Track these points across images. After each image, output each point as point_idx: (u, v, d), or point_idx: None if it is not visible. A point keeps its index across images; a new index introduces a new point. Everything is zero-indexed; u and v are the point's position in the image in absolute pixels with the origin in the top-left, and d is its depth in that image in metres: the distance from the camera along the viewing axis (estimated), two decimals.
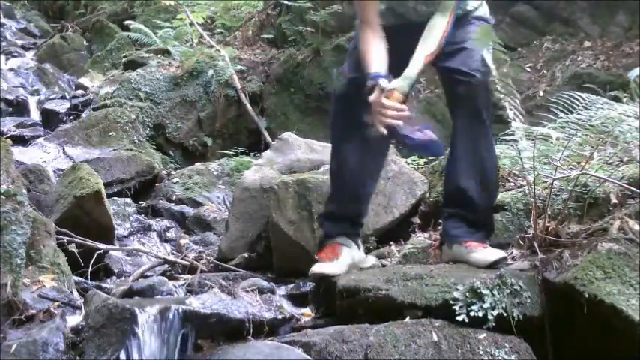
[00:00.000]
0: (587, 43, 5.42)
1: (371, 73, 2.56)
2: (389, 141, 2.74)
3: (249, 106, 6.16)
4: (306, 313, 2.56)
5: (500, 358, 2.04)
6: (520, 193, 2.94)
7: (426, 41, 2.60)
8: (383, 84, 2.50)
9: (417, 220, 3.42)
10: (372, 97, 2.50)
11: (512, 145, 2.69)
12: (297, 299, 2.71)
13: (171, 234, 4.18)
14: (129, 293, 2.68)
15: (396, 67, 2.57)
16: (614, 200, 2.51)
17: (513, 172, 3.16)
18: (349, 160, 2.73)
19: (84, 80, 7.24)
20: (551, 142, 2.49)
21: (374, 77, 2.54)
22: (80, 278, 2.92)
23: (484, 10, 2.85)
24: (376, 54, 2.62)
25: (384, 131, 2.49)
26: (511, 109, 2.55)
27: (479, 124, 2.63)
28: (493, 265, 2.45)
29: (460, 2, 2.67)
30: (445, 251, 2.68)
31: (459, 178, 2.66)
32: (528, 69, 5.39)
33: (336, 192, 2.80)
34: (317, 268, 2.60)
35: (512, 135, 2.65)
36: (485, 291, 2.14)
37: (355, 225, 2.80)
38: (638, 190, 2.37)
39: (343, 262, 2.63)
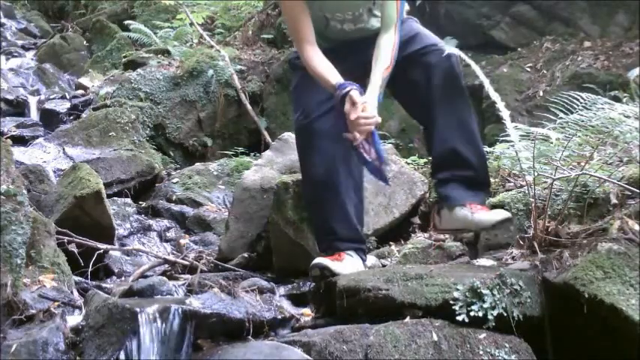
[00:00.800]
0: (587, 43, 5.41)
1: (335, 84, 2.56)
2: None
3: (249, 106, 6.16)
4: (306, 313, 2.56)
5: (500, 358, 2.05)
6: (520, 193, 2.94)
7: (379, 58, 2.65)
8: (354, 96, 2.49)
9: (417, 220, 3.43)
10: (346, 108, 2.49)
11: (512, 145, 2.69)
12: (297, 299, 2.71)
13: (171, 234, 4.18)
14: (129, 293, 2.68)
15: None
16: (614, 200, 2.51)
17: (513, 172, 3.17)
18: (334, 177, 2.71)
19: (84, 80, 7.23)
20: (551, 142, 2.49)
21: (340, 87, 2.54)
22: (80, 278, 2.92)
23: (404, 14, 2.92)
24: (327, 67, 2.63)
25: (359, 138, 2.49)
26: (505, 112, 2.55)
27: (458, 89, 2.67)
28: (498, 225, 2.43)
29: (401, 12, 2.73)
30: (445, 216, 2.66)
31: (450, 141, 2.65)
32: (528, 69, 5.38)
33: (330, 210, 2.74)
34: (321, 260, 2.58)
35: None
36: (485, 291, 2.14)
37: (362, 242, 2.78)
38: (638, 190, 2.37)
39: (348, 266, 2.61)
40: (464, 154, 2.63)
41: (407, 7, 2.96)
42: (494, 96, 2.58)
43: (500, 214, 2.49)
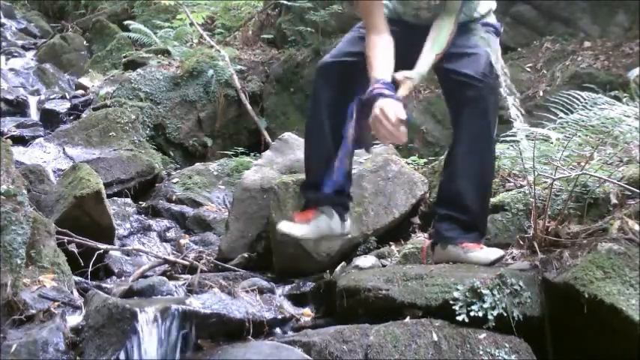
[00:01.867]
0: (587, 43, 5.41)
1: (379, 79, 2.50)
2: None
3: (249, 106, 6.17)
4: (306, 313, 2.56)
5: (500, 358, 2.04)
6: (520, 193, 2.94)
7: (434, 41, 2.58)
8: (386, 108, 2.41)
9: (417, 220, 3.42)
10: (376, 111, 2.41)
11: (512, 145, 2.69)
12: (297, 299, 2.71)
13: (171, 234, 4.18)
14: (129, 293, 2.68)
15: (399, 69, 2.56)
16: (614, 200, 2.51)
17: (513, 172, 3.17)
18: (326, 123, 2.66)
19: (84, 80, 7.24)
20: (551, 143, 2.49)
21: (384, 85, 2.47)
22: (80, 278, 2.92)
23: (492, 18, 2.84)
24: (382, 58, 2.58)
25: (384, 140, 2.46)
26: (513, 109, 2.55)
27: (483, 127, 2.59)
28: (494, 263, 2.45)
29: (465, 4, 2.64)
30: (438, 251, 2.65)
31: (456, 181, 2.63)
32: (528, 69, 5.39)
33: (317, 158, 2.71)
34: (283, 226, 2.58)
35: (514, 135, 2.65)
36: (485, 291, 2.14)
37: (341, 195, 2.72)
38: (638, 190, 2.37)
39: (316, 227, 2.59)
40: (467, 201, 2.60)
41: (493, 7, 2.86)
42: (510, 96, 2.56)
43: (495, 253, 2.50)
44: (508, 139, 2.69)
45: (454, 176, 2.65)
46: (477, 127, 2.59)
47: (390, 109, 2.39)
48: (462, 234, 2.59)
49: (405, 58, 2.57)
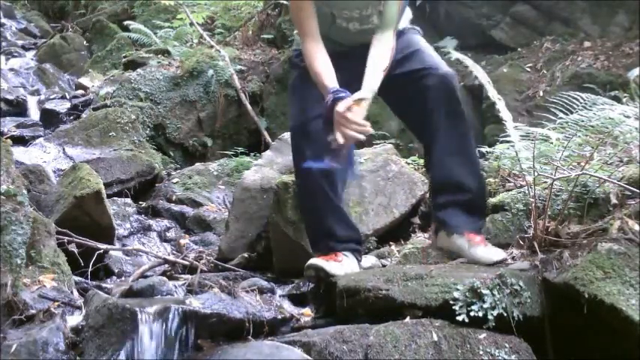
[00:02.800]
0: (587, 43, 5.42)
1: (329, 88, 2.55)
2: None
3: (249, 106, 6.17)
4: (306, 313, 2.56)
5: (500, 358, 2.04)
6: (520, 193, 2.94)
7: (377, 56, 2.64)
8: (349, 98, 2.48)
9: (417, 220, 3.43)
10: (339, 108, 2.46)
11: (512, 146, 2.70)
12: (297, 299, 2.71)
13: (171, 234, 4.18)
14: (129, 293, 2.68)
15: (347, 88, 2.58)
16: (614, 200, 2.51)
17: (513, 172, 3.17)
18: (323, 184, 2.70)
19: (84, 80, 7.24)
20: (551, 143, 2.49)
21: (334, 92, 2.52)
22: (80, 278, 2.92)
23: (408, 22, 2.91)
24: (326, 67, 2.63)
25: (341, 141, 2.46)
26: (504, 111, 2.55)
27: (457, 113, 2.64)
28: (494, 264, 2.46)
29: (401, 15, 2.72)
30: (442, 238, 2.66)
31: (449, 166, 2.64)
32: (528, 69, 5.39)
33: (328, 212, 2.74)
34: (316, 260, 2.59)
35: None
36: (485, 291, 2.14)
37: (358, 243, 2.78)
38: (638, 190, 2.37)
39: (344, 267, 2.60)
40: (462, 179, 2.62)
41: (410, 14, 2.94)
42: (495, 97, 2.57)
43: (498, 255, 2.51)
44: (508, 139, 2.69)
45: (443, 163, 2.66)
46: (452, 115, 2.63)
47: (345, 104, 2.45)
48: (466, 220, 2.60)
49: (349, 82, 2.59)
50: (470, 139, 2.69)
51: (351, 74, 2.64)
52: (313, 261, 2.59)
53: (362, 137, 2.49)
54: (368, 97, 2.56)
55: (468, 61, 2.78)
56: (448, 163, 2.64)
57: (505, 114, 2.56)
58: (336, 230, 2.71)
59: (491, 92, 2.63)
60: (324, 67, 2.63)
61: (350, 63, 2.67)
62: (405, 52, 2.73)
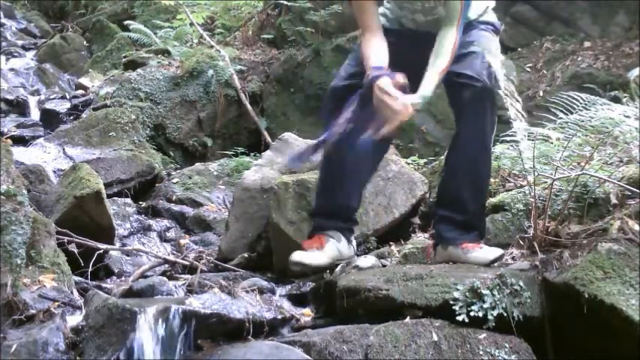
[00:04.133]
0: (587, 44, 5.42)
1: (372, 65, 2.54)
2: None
3: (249, 107, 6.17)
4: (306, 313, 2.56)
5: (500, 358, 2.04)
6: (520, 193, 2.94)
7: (437, 56, 2.58)
8: (384, 84, 2.47)
9: (417, 220, 3.43)
10: (379, 83, 2.45)
11: (512, 146, 2.70)
12: (297, 299, 2.71)
13: (171, 234, 4.18)
14: (129, 293, 2.68)
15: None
16: (614, 200, 2.51)
17: (513, 172, 3.17)
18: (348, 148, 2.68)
19: (84, 80, 7.23)
20: (552, 143, 2.49)
21: (375, 70, 2.51)
22: (80, 278, 2.91)
23: (490, 16, 2.84)
24: (376, 50, 2.61)
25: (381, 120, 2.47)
26: (512, 109, 2.55)
27: (479, 129, 2.61)
28: (493, 263, 2.46)
29: (465, 11, 2.63)
30: (440, 252, 2.69)
31: (453, 183, 2.67)
32: (528, 69, 5.39)
33: (328, 184, 2.77)
34: (296, 256, 2.62)
35: (513, 135, 2.65)
36: (485, 291, 2.14)
37: (348, 220, 2.79)
38: (638, 190, 2.37)
39: (326, 253, 2.63)
40: (465, 203, 2.64)
41: (491, 4, 2.85)
42: (515, 97, 2.56)
43: (494, 253, 2.52)
44: (508, 139, 2.69)
45: (450, 178, 2.70)
46: (473, 128, 2.61)
47: (386, 83, 2.45)
48: (461, 234, 2.62)
49: (409, 70, 2.57)
50: (483, 163, 2.66)
51: (416, 56, 2.60)
52: (294, 257, 2.63)
53: (409, 111, 2.47)
54: (418, 103, 2.52)
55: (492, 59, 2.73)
56: (458, 181, 2.66)
57: (516, 115, 2.55)
58: (328, 202, 2.73)
59: (506, 90, 2.62)
60: (373, 48, 2.61)
61: (417, 45, 2.63)
62: (462, 49, 2.63)
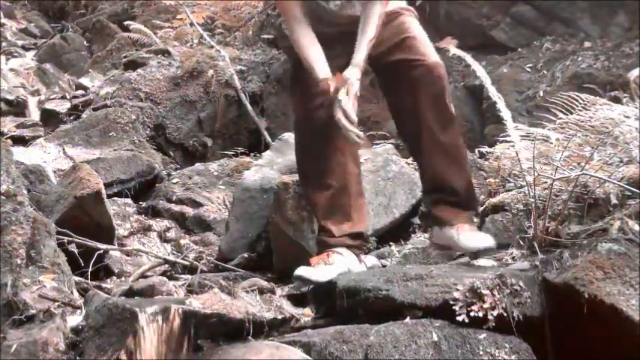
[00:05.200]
0: (587, 44, 5.41)
1: (319, 79, 2.59)
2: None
3: (249, 107, 6.16)
4: (306, 313, 2.56)
5: (500, 358, 2.05)
6: (520, 193, 2.94)
7: (365, 28, 2.61)
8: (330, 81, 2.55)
9: (417, 220, 3.43)
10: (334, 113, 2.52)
11: (512, 146, 2.70)
12: (297, 299, 2.71)
13: (171, 234, 4.18)
14: (129, 293, 2.68)
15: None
16: (614, 200, 2.51)
17: (513, 172, 3.17)
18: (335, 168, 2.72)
19: (84, 80, 7.23)
20: (551, 143, 2.49)
21: (325, 82, 2.58)
22: (80, 278, 2.91)
23: (402, 2, 2.88)
24: (316, 53, 2.65)
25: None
26: (505, 111, 2.56)
27: (444, 108, 2.63)
28: (481, 253, 2.46)
29: None
30: (436, 233, 2.70)
31: (438, 170, 2.67)
32: (528, 69, 5.38)
33: (333, 206, 2.76)
34: (300, 271, 2.58)
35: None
36: (485, 291, 2.14)
37: (355, 238, 2.77)
38: (638, 191, 2.37)
39: (333, 269, 2.59)
40: (451, 183, 2.66)
41: None
42: (496, 96, 2.58)
43: (485, 242, 2.53)
44: (508, 139, 2.69)
45: (433, 167, 2.69)
46: (438, 112, 2.62)
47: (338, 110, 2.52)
48: (457, 213, 2.64)
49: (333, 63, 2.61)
50: (459, 139, 2.70)
51: (339, 52, 2.65)
52: (299, 271, 2.58)
53: (357, 140, 2.54)
54: (354, 73, 2.56)
55: (467, 58, 2.78)
56: (437, 167, 2.67)
57: (505, 112, 2.56)
58: (332, 224, 2.71)
59: (491, 90, 2.63)
60: (313, 54, 2.65)
61: (338, 43, 2.68)
62: (395, 39, 2.70)
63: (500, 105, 2.57)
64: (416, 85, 2.63)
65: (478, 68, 2.71)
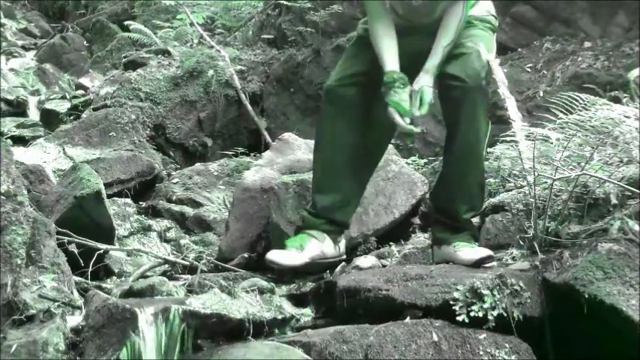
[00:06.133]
0: (587, 44, 5.40)
1: (385, 70, 2.61)
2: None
3: (249, 107, 6.16)
4: (306, 313, 2.56)
5: (500, 358, 2.05)
6: (520, 193, 2.94)
7: (443, 31, 2.62)
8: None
9: (417, 220, 3.43)
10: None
11: (512, 146, 2.69)
12: (297, 299, 2.71)
13: (171, 234, 4.18)
14: (129, 293, 2.68)
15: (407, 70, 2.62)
16: (614, 201, 2.51)
17: (513, 172, 3.17)
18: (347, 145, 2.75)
19: (84, 80, 7.23)
20: (551, 143, 2.49)
21: (392, 74, 2.60)
22: (80, 278, 2.91)
23: (483, 8, 2.82)
24: (388, 46, 2.65)
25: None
26: (513, 109, 2.55)
27: (473, 133, 2.65)
28: (478, 264, 2.47)
29: None
30: (436, 252, 2.74)
31: (445, 192, 2.73)
32: (528, 69, 5.38)
33: (325, 183, 2.80)
34: (271, 254, 2.64)
35: (513, 135, 2.65)
36: (485, 291, 2.14)
37: (335, 224, 2.81)
38: (638, 191, 2.37)
39: (306, 254, 2.65)
40: (458, 210, 2.69)
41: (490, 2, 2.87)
42: (507, 97, 2.56)
43: (481, 253, 2.54)
44: (508, 139, 2.69)
45: (442, 189, 2.76)
46: (465, 136, 2.64)
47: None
48: (453, 234, 2.68)
49: (411, 63, 2.60)
50: (477, 172, 2.71)
51: (419, 51, 2.65)
52: (269, 255, 2.66)
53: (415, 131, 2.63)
54: (429, 82, 2.60)
55: (490, 57, 2.74)
56: (447, 192, 2.72)
57: (514, 113, 2.55)
58: (316, 201, 2.75)
59: (504, 90, 2.62)
60: (385, 46, 2.66)
61: (420, 39, 2.67)
62: (456, 49, 2.65)
63: (511, 106, 2.56)
64: (452, 104, 2.64)
65: (497, 69, 2.66)
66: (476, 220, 2.93)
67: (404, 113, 2.62)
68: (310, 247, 2.70)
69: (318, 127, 2.87)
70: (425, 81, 2.60)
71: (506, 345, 2.08)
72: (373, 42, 2.69)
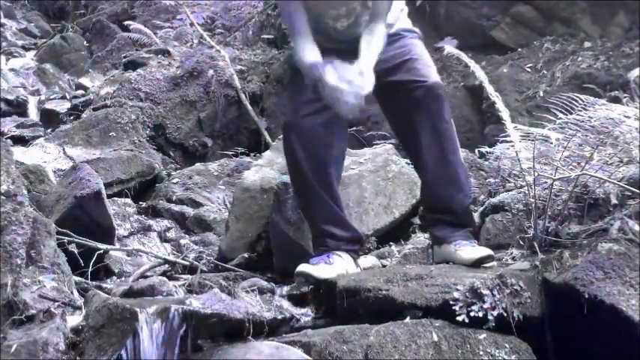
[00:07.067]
0: (587, 44, 5.41)
1: (309, 63, 2.61)
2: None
3: (249, 107, 6.16)
4: (306, 314, 2.56)
5: (500, 358, 2.05)
6: (520, 193, 2.94)
7: (371, 42, 2.65)
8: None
9: (417, 220, 3.43)
10: (329, 81, 2.50)
11: (512, 146, 2.70)
12: (297, 299, 2.71)
13: (171, 234, 4.18)
14: (129, 293, 2.68)
15: None
16: (614, 201, 2.51)
17: (513, 172, 3.17)
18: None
19: (84, 80, 7.24)
20: (551, 143, 2.49)
21: (315, 65, 2.59)
22: (80, 278, 2.92)
23: (406, 23, 2.91)
24: (311, 51, 2.66)
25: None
26: (504, 111, 2.56)
27: (443, 128, 2.66)
28: (478, 263, 2.47)
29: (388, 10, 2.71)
30: (436, 251, 2.74)
31: (437, 189, 2.72)
32: (528, 69, 5.38)
33: (328, 211, 2.77)
34: (303, 267, 2.60)
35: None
36: (485, 291, 2.14)
37: (354, 242, 2.80)
38: (638, 191, 2.37)
39: (335, 269, 2.62)
40: (449, 203, 2.70)
41: (405, 12, 2.93)
42: (494, 96, 2.58)
43: (480, 252, 2.54)
44: (508, 139, 2.69)
45: (432, 187, 2.75)
46: (438, 132, 2.67)
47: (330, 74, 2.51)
48: (453, 233, 2.67)
49: None
50: (457, 158, 2.73)
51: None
52: (302, 268, 2.60)
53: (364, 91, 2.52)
54: (370, 84, 2.56)
55: (464, 57, 2.78)
56: (437, 186, 2.72)
57: (503, 111, 2.56)
58: (331, 230, 2.73)
59: (489, 89, 2.64)
60: (309, 52, 2.67)
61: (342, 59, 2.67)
62: (397, 60, 2.74)
63: (499, 104, 2.58)
64: (415, 104, 2.67)
65: (475, 67, 2.71)
66: (476, 220, 2.93)
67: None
68: (338, 264, 2.66)
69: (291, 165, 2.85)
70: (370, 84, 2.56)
71: (506, 345, 2.08)
72: (298, 55, 2.70)
